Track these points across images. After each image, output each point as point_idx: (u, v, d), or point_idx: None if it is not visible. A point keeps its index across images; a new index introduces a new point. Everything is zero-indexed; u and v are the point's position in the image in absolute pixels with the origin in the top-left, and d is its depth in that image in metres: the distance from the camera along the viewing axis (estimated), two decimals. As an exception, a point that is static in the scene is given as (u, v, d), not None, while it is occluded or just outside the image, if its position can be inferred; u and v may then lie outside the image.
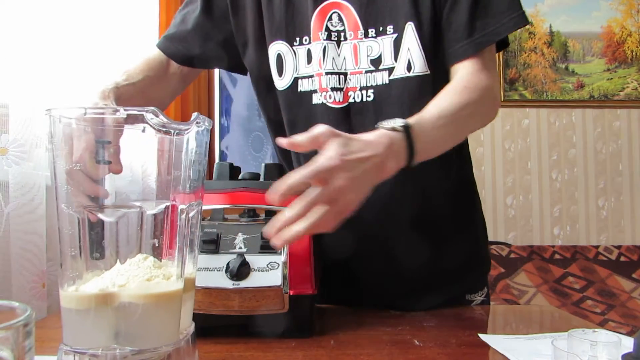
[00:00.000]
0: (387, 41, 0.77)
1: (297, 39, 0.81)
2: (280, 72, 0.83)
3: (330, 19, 0.79)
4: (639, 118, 2.58)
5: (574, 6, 2.65)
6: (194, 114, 0.44)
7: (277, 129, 0.88)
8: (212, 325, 0.61)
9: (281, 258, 0.63)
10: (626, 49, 2.64)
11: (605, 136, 2.59)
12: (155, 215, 0.44)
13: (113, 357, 0.40)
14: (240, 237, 0.64)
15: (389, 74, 0.78)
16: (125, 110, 0.41)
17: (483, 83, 0.75)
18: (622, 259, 2.42)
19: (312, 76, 0.81)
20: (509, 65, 2.63)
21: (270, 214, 0.70)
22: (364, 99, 0.79)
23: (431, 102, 0.70)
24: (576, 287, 2.33)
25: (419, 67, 0.77)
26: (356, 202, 0.57)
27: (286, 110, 0.84)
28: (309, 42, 0.81)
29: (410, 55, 0.77)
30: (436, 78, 0.77)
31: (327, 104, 0.80)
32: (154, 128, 0.41)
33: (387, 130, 0.62)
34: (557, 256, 2.43)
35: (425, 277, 0.83)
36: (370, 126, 0.65)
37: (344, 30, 0.79)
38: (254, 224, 0.67)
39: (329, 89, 0.79)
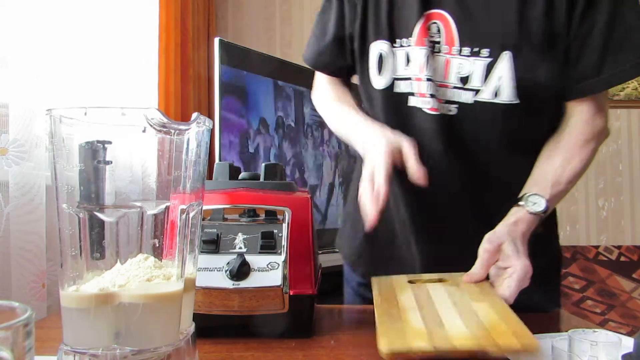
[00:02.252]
0: (479, 63, 0.77)
1: (398, 40, 0.82)
2: (379, 70, 0.84)
3: (429, 28, 0.79)
4: (639, 118, 2.58)
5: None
6: (194, 114, 0.44)
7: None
8: (212, 325, 0.61)
9: (281, 258, 0.63)
10: (626, 49, 2.63)
11: (605, 136, 2.59)
12: (155, 215, 0.44)
13: (113, 357, 0.40)
14: (240, 237, 0.64)
15: (474, 95, 0.78)
16: (125, 109, 0.41)
17: (599, 127, 0.78)
18: (622, 259, 2.42)
19: (409, 79, 0.81)
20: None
21: (270, 214, 0.70)
22: (446, 113, 0.80)
23: (559, 160, 0.76)
24: (576, 287, 2.33)
25: (507, 95, 0.76)
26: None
27: (383, 110, 0.85)
28: (409, 45, 0.81)
29: (500, 83, 0.76)
30: (524, 107, 0.77)
31: (424, 109, 0.81)
32: (154, 128, 0.41)
33: (531, 214, 0.72)
34: (557, 256, 2.43)
35: None
36: (465, 136, 0.79)
37: (439, 43, 0.79)
38: (254, 224, 0.67)
39: (428, 95, 0.79)
